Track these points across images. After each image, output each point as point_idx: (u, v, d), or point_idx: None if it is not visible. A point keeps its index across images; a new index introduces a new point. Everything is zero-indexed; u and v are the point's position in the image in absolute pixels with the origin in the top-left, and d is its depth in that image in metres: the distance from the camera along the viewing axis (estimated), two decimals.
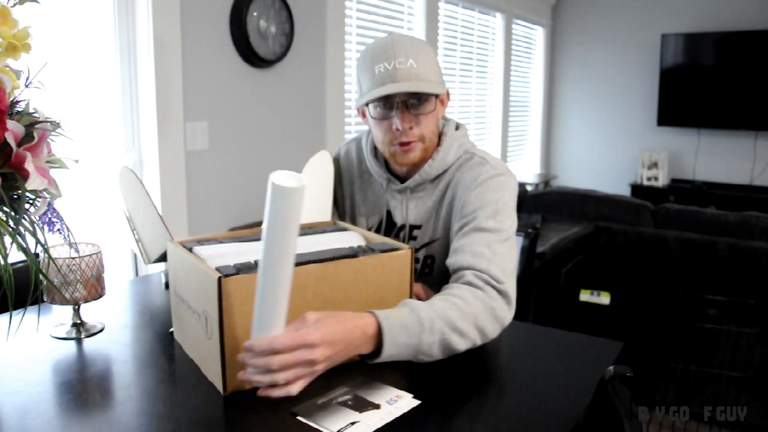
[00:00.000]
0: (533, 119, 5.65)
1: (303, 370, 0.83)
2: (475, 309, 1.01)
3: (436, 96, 1.21)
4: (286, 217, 0.79)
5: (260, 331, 0.84)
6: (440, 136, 1.28)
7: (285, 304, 0.84)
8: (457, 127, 1.32)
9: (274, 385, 0.82)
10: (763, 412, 2.34)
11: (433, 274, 1.28)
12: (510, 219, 1.18)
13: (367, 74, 1.19)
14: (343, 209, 1.42)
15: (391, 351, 0.92)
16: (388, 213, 1.33)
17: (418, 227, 1.29)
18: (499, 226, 1.14)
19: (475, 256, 1.10)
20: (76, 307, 1.12)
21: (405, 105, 1.18)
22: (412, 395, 0.88)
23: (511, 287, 1.08)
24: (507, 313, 1.07)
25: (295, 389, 0.83)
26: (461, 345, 0.98)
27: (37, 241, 0.85)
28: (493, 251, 1.10)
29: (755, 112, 4.72)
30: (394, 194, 1.31)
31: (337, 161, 1.42)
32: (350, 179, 1.41)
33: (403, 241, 1.29)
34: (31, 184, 0.80)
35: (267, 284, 0.83)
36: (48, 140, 0.86)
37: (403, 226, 1.31)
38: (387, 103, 1.19)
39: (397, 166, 1.30)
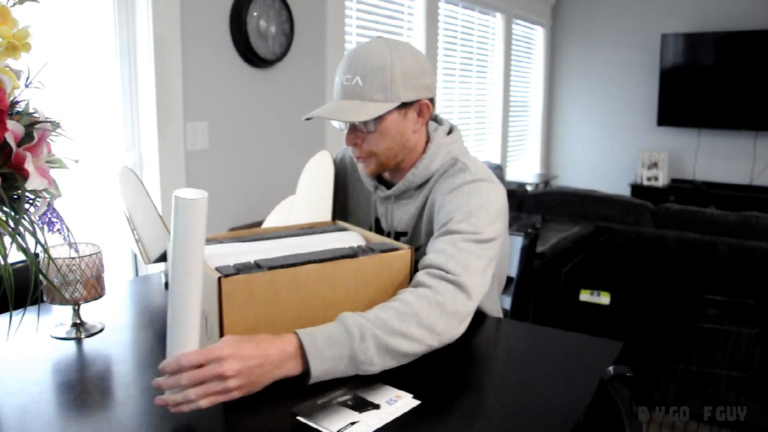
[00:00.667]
0: (533, 119, 5.65)
1: (214, 385, 0.81)
2: (417, 308, 0.96)
3: (378, 117, 1.15)
4: (188, 228, 0.78)
5: (172, 350, 0.83)
6: (427, 142, 1.26)
7: (196, 320, 0.82)
8: (451, 130, 1.29)
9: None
10: (763, 412, 2.34)
11: None
12: (489, 225, 1.11)
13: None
14: (336, 216, 1.42)
15: (321, 366, 0.88)
16: (377, 220, 1.33)
17: (404, 234, 1.28)
18: (473, 229, 1.08)
19: (436, 254, 1.05)
20: (76, 307, 1.12)
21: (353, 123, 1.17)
22: (412, 395, 0.88)
23: (468, 280, 1.02)
24: (462, 305, 1.00)
25: (204, 403, 0.81)
26: (408, 347, 0.94)
27: (37, 241, 0.85)
28: (457, 248, 1.05)
29: (755, 112, 4.72)
30: (381, 201, 1.31)
31: (343, 158, 1.44)
32: (343, 185, 1.41)
33: None
34: (31, 184, 0.80)
35: (174, 300, 0.81)
36: (48, 140, 0.86)
37: (389, 234, 1.30)
38: None
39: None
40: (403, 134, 1.20)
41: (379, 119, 1.16)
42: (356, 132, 1.19)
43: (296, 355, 0.88)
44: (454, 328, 1.00)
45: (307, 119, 1.20)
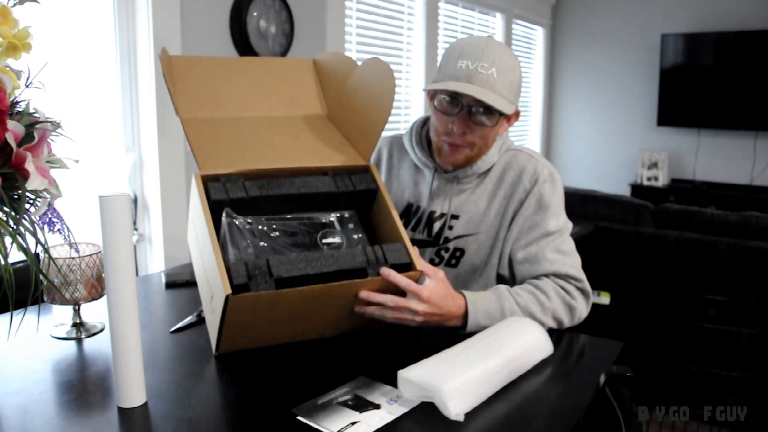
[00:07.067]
0: (533, 119, 5.65)
1: (406, 313, 1.04)
2: (555, 305, 1.15)
3: (501, 114, 1.19)
4: (113, 225, 0.87)
5: (114, 332, 0.85)
6: None
7: (134, 313, 0.86)
8: None
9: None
10: (763, 412, 2.34)
11: (458, 266, 1.29)
12: (564, 213, 1.27)
13: (450, 64, 1.21)
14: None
15: (474, 328, 1.10)
16: (429, 201, 1.33)
17: (457, 217, 1.30)
18: (560, 225, 1.24)
19: (551, 264, 1.20)
20: (76, 307, 1.12)
21: (469, 109, 1.18)
22: None
23: (587, 283, 1.21)
24: (584, 310, 1.21)
25: (390, 320, 1.05)
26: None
27: (38, 241, 0.85)
28: (562, 252, 1.21)
29: (755, 112, 4.72)
30: (441, 183, 1.31)
31: (379, 149, 1.46)
32: (380, 161, 1.45)
33: (440, 230, 1.29)
34: (31, 184, 0.80)
35: (110, 293, 0.85)
36: (48, 140, 0.86)
37: (442, 215, 1.31)
38: (454, 100, 1.19)
39: (439, 161, 1.30)
40: (497, 134, 1.26)
41: (498, 117, 1.20)
42: (470, 120, 1.19)
43: (461, 317, 1.11)
44: (573, 322, 1.20)
45: (452, 92, 1.17)
